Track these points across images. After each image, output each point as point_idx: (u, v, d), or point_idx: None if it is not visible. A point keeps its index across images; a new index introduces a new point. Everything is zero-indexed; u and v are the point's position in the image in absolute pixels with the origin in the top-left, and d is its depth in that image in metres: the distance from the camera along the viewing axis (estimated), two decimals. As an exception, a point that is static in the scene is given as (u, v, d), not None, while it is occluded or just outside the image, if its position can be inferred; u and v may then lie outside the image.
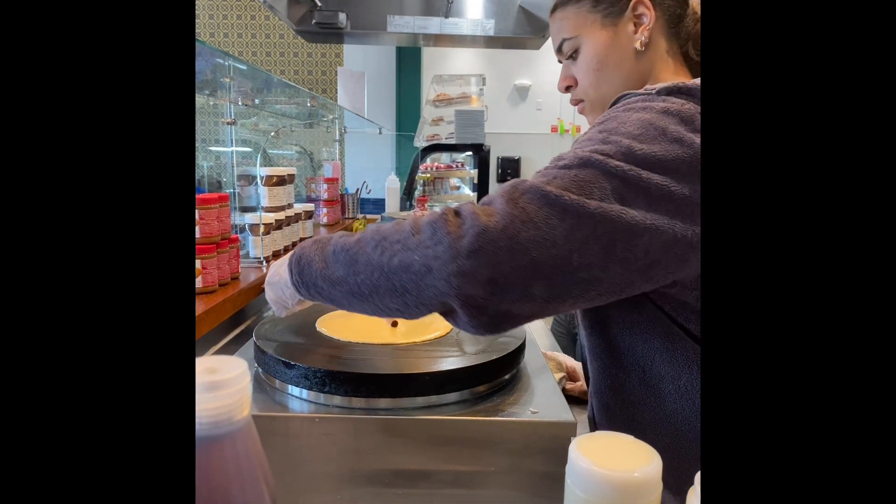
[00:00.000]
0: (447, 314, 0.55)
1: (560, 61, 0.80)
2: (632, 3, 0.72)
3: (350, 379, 0.62)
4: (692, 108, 0.57)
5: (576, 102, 0.80)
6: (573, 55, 0.76)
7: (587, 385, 0.77)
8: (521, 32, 1.84)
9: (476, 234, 0.50)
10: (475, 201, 0.57)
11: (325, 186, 2.34)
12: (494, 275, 0.50)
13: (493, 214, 0.51)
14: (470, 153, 3.90)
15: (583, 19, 0.74)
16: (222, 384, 0.26)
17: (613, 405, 0.70)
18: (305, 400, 0.65)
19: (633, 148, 0.54)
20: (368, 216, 2.75)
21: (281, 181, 1.64)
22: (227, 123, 1.45)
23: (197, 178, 3.55)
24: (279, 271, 0.67)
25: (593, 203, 0.51)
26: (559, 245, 0.50)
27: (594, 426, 0.76)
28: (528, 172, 5.15)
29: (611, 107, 0.65)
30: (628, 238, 0.52)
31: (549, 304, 0.53)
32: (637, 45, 0.71)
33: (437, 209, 0.58)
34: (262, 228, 1.50)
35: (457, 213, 0.53)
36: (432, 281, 0.51)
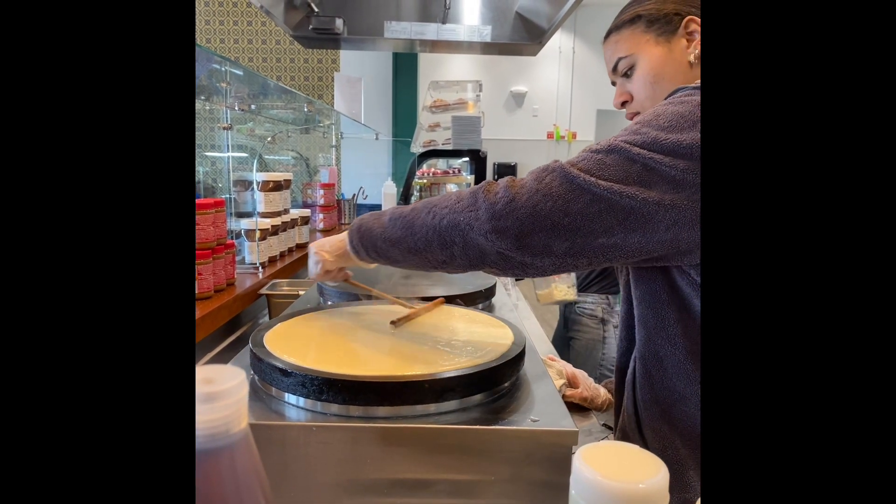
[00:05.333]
0: (482, 263, 0.68)
1: (613, 83, 0.87)
2: (684, 22, 0.78)
3: (348, 387, 0.61)
4: None
5: (632, 116, 0.85)
6: (628, 73, 0.83)
7: (631, 352, 0.81)
8: (518, 39, 1.84)
9: (506, 202, 0.64)
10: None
11: (322, 192, 2.33)
12: (520, 233, 0.63)
13: (522, 187, 0.65)
14: (466, 159, 3.89)
15: (637, 39, 0.81)
16: (220, 395, 0.25)
17: (657, 373, 0.75)
18: (302, 408, 0.64)
19: (658, 138, 0.62)
20: (365, 222, 2.73)
21: (277, 186, 1.63)
22: (224, 128, 1.44)
23: (192, 183, 3.53)
24: (332, 243, 0.84)
25: (604, 183, 0.61)
26: (573, 214, 0.62)
27: (624, 390, 0.82)
28: (525, 178, 5.16)
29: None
30: (644, 214, 0.61)
31: (568, 259, 0.65)
32: (691, 58, 0.78)
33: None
34: (257, 234, 1.49)
35: (495, 183, 0.67)
36: (473, 235, 0.66)
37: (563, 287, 1.94)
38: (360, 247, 0.78)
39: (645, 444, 0.78)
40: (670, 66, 0.79)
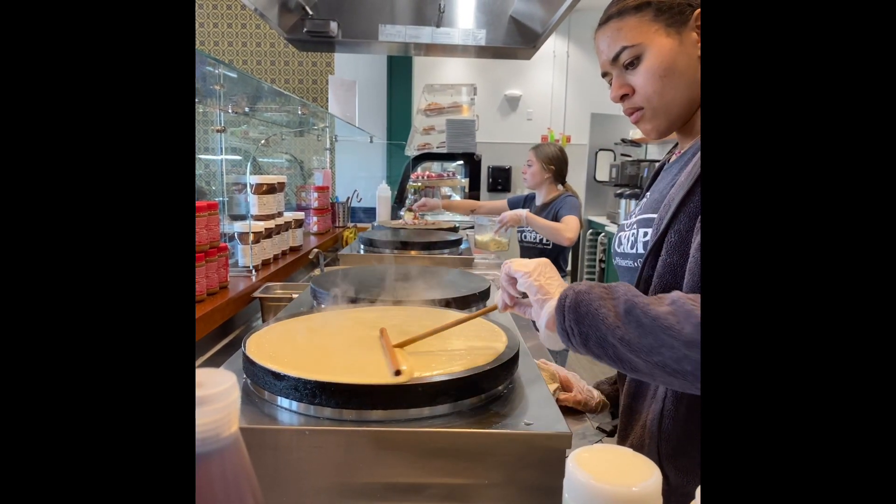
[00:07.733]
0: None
1: (604, 74, 0.80)
2: (696, 14, 0.73)
3: (341, 390, 0.61)
4: None
5: (632, 112, 0.79)
6: (632, 63, 0.76)
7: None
8: (513, 42, 1.85)
9: None
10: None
11: (316, 195, 2.32)
12: None
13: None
14: (461, 162, 3.90)
15: (646, 28, 0.74)
16: (210, 399, 0.25)
17: (682, 410, 0.72)
18: (295, 412, 0.63)
19: None
20: (359, 225, 2.74)
21: (271, 189, 1.62)
22: (218, 131, 1.44)
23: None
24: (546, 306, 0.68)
25: None
26: None
27: (637, 420, 0.78)
28: (519, 182, 5.17)
29: None
30: None
31: None
32: None
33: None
34: (251, 237, 1.49)
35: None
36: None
37: (501, 241, 2.24)
38: (574, 331, 0.63)
39: (666, 478, 0.73)
40: (681, 60, 0.73)
